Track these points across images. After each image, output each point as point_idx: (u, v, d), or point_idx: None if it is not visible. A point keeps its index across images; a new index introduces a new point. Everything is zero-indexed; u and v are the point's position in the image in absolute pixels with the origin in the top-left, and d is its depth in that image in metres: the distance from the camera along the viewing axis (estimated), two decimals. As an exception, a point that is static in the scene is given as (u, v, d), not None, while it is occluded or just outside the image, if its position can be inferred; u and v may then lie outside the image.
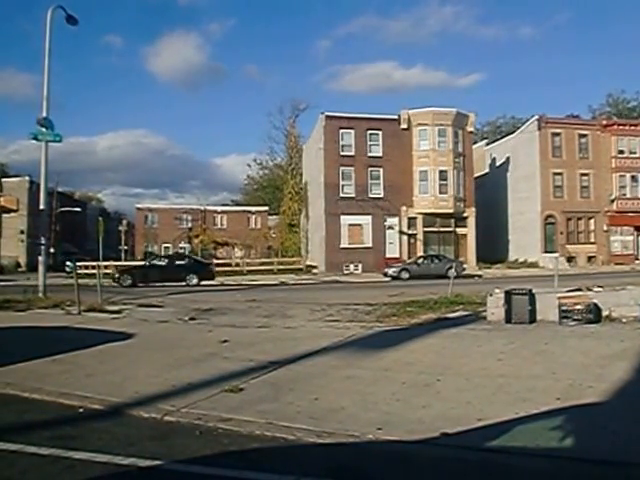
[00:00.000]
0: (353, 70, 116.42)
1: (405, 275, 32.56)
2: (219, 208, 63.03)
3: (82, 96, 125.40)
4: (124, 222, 63.55)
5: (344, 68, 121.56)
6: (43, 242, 18.40)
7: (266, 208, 61.26)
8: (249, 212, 60.65)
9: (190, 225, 57.52)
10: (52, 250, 61.58)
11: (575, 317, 9.45)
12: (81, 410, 5.34)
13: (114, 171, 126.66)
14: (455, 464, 3.94)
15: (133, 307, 13.67)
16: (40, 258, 18.27)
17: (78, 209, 58.73)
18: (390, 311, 13.01)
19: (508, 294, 9.84)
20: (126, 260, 50.27)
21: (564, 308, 9.57)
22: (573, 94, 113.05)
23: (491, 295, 10.37)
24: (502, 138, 51.89)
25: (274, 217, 59.76)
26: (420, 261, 34.69)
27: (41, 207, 18.79)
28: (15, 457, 4.01)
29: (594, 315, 9.63)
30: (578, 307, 9.53)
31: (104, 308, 12.73)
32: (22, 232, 57.22)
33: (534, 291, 9.88)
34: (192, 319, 11.83)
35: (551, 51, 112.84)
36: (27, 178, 53.26)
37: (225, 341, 8.52)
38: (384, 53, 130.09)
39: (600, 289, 10.67)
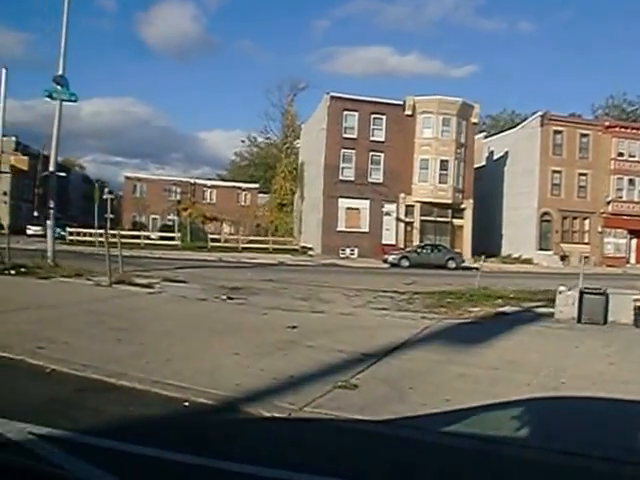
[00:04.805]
0: (348, 52, 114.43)
1: (405, 263, 32.14)
2: (209, 182, 61.39)
3: (70, 58, 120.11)
4: (106, 190, 61.73)
5: (339, 50, 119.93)
6: (52, 206, 17.46)
7: (257, 185, 60.00)
8: (239, 188, 59.27)
9: (179, 198, 55.99)
10: (36, 214, 59.66)
11: (652, 320, 9.07)
12: (187, 404, 4.66)
13: (97, 138, 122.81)
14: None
15: (159, 281, 12.81)
16: (48, 223, 17.49)
17: (64, 174, 56.67)
18: (430, 301, 12.52)
19: (581, 293, 9.42)
20: (112, 229, 48.58)
21: (643, 310, 9.17)
22: (569, 92, 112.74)
23: (560, 292, 9.93)
24: (500, 132, 51.60)
25: (264, 195, 58.68)
26: (420, 250, 34.34)
27: (50, 169, 17.84)
28: (163, 466, 3.31)
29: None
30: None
31: (133, 281, 11.87)
32: (5, 194, 55.20)
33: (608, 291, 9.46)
34: (230, 298, 11.11)
35: (548, 48, 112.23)
36: (13, 139, 50.99)
37: (294, 327, 7.85)
38: (381, 38, 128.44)
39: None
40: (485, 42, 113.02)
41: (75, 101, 17.57)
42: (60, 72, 17.10)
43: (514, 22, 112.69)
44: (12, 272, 13.00)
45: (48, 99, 17.27)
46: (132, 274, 13.17)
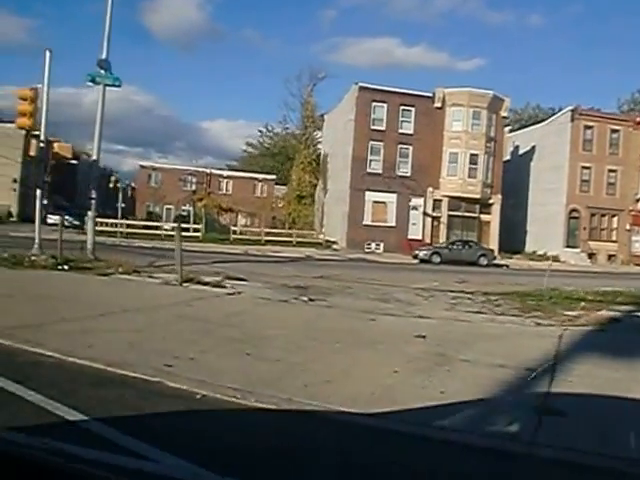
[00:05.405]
0: (355, 43, 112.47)
1: (436, 259, 31.29)
2: (225, 172, 60.19)
3: (73, 44, 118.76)
4: (112, 178, 60.81)
5: (346, 40, 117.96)
6: (94, 196, 16.64)
7: (273, 177, 58.81)
8: (255, 179, 58.08)
9: (194, 188, 54.87)
10: (45, 202, 58.80)
11: None
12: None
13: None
14: None
15: (222, 279, 11.89)
16: (90, 213, 16.62)
17: (76, 161, 55.80)
18: (517, 304, 11.67)
19: None
20: (125, 219, 47.43)
21: None
22: (578, 88, 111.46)
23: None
24: (525, 127, 50.56)
25: (280, 187, 57.60)
26: (451, 246, 33.47)
27: (93, 158, 17.10)
28: None
29: None
30: None
31: (202, 280, 10.96)
32: (15, 181, 54.19)
33: None
34: (311, 300, 10.23)
35: (558, 43, 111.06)
36: (26, 124, 49.91)
37: (423, 336, 6.98)
38: (388, 29, 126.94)
39: None
40: (493, 35, 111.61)
41: (119, 86, 16.72)
42: (104, 56, 16.27)
43: (523, 15, 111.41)
44: (65, 267, 12.17)
45: (91, 84, 16.48)
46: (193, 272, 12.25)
